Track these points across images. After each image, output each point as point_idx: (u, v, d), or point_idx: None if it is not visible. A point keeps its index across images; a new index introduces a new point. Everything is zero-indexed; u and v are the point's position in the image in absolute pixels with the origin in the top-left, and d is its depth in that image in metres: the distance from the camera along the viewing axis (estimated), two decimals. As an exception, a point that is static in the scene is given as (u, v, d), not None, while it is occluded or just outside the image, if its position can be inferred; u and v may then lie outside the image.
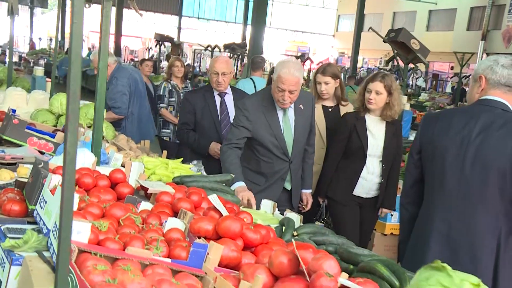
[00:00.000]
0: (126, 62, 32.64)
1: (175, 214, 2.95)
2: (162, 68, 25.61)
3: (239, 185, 4.35)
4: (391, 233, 7.04)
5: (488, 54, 39.23)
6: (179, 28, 48.47)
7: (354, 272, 2.76)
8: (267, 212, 4.06)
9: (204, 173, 4.73)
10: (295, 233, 3.28)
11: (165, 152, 5.46)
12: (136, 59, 35.18)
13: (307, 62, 29.22)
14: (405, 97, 12.11)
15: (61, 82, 25.29)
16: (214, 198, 2.84)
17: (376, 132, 5.24)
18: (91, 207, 2.75)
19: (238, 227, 2.57)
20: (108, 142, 4.92)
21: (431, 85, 40.79)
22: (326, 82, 5.58)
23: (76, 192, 2.90)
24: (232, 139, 4.70)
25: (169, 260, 2.37)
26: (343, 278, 2.36)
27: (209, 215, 2.85)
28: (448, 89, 34.75)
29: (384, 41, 11.97)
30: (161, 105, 8.60)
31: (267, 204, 4.13)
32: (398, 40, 11.26)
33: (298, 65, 4.66)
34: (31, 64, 28.12)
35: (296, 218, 3.75)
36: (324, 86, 5.58)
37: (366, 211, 5.46)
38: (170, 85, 8.72)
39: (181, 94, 8.69)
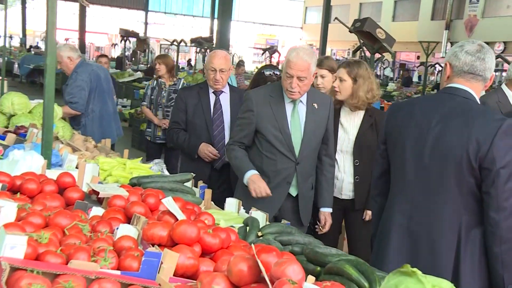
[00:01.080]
0: (92, 59, 32.21)
1: (129, 219, 2.74)
2: (128, 64, 25.32)
3: (252, 173, 4.21)
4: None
5: (452, 43, 39.92)
6: (146, 24, 48.01)
7: (321, 274, 2.61)
8: (232, 212, 3.88)
9: (166, 173, 4.52)
10: (259, 234, 3.09)
11: (126, 151, 5.25)
12: (108, 55, 34.75)
13: (275, 55, 29.14)
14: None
15: (23, 81, 24.89)
16: (168, 201, 2.61)
17: (348, 125, 4.86)
18: (32, 216, 2.47)
19: (194, 232, 2.36)
20: (63, 143, 4.66)
21: (399, 74, 40.91)
22: (322, 76, 5.27)
23: (16, 200, 2.67)
24: (235, 137, 4.45)
25: (118, 272, 2.15)
26: (309, 283, 2.19)
27: (163, 219, 2.62)
28: (415, 78, 34.91)
29: (350, 31, 11.96)
30: (142, 102, 8.80)
31: (231, 203, 3.92)
32: (364, 30, 11.28)
33: (309, 51, 4.23)
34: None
35: (261, 216, 3.56)
36: (320, 80, 5.26)
37: (349, 215, 5.04)
38: (155, 83, 8.59)
39: (169, 92, 8.54)
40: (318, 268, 2.63)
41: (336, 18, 14.16)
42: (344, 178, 4.84)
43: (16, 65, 25.88)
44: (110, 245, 2.33)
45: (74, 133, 5.69)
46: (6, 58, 28.42)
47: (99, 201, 3.15)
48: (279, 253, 2.44)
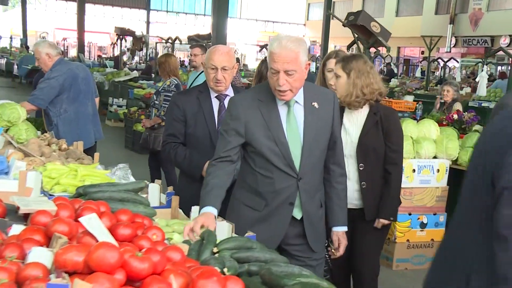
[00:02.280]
0: (93, 59, 32.06)
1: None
2: (124, 64, 25.04)
3: (205, 211, 3.31)
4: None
5: (456, 38, 39.93)
6: (148, 22, 47.95)
7: None
8: None
9: (132, 179, 4.17)
10: (215, 250, 2.75)
11: (97, 154, 4.92)
12: (104, 55, 34.58)
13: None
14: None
15: (23, 81, 24.73)
16: (89, 219, 2.23)
17: (349, 126, 4.41)
18: None
19: (115, 257, 1.98)
20: (12, 146, 4.31)
21: (403, 70, 40.69)
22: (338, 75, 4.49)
23: None
24: (219, 152, 3.60)
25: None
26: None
27: (82, 241, 2.21)
28: (418, 74, 34.55)
29: (344, 25, 11.71)
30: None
31: (197, 211, 3.59)
32: (358, 23, 11.05)
33: (295, 38, 3.41)
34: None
35: (226, 227, 3.25)
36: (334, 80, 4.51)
37: (358, 226, 4.45)
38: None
39: (162, 95, 8.63)
40: None
41: (329, 12, 13.95)
42: (349, 185, 4.20)
43: (15, 66, 25.78)
44: (12, 275, 1.96)
45: (39, 136, 5.33)
46: (6, 58, 28.62)
47: (25, 218, 2.73)
48: (221, 279, 2.12)
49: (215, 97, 4.51)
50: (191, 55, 9.13)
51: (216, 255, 2.71)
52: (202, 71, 8.77)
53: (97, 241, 2.16)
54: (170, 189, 3.96)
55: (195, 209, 3.62)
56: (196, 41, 21.90)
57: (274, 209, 3.60)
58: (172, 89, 8.53)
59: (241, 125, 3.53)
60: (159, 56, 9.54)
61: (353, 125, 4.42)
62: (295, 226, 3.66)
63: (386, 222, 4.47)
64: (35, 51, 7.23)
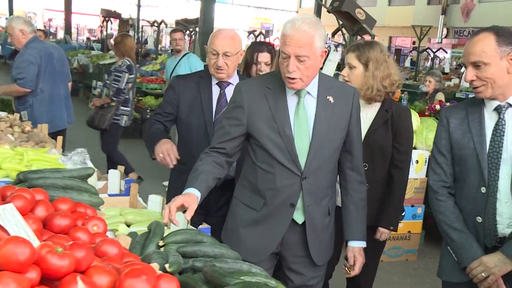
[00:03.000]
0: (81, 41, 31.79)
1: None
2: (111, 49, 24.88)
3: (188, 191, 3.03)
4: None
5: (448, 29, 40.19)
6: (139, 6, 47.36)
7: None
8: (155, 211, 3.39)
9: (90, 164, 3.98)
10: (161, 243, 2.59)
11: (60, 138, 4.74)
12: (93, 38, 34.29)
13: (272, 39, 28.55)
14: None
15: (8, 61, 24.44)
16: (3, 211, 2.02)
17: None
18: None
19: (26, 253, 1.77)
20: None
21: (394, 60, 40.81)
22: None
23: None
24: (214, 142, 3.31)
25: None
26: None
27: None
28: (407, 64, 34.53)
29: (328, 11, 11.60)
30: None
31: (155, 201, 3.45)
32: (343, 9, 10.92)
33: (311, 20, 3.02)
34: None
35: (183, 218, 3.00)
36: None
37: None
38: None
39: (112, 74, 8.58)
40: None
41: None
42: None
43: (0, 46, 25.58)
44: None
45: (1, 118, 5.15)
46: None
47: None
48: (151, 277, 1.94)
49: (216, 83, 4.12)
50: (173, 39, 9.11)
51: (162, 248, 2.57)
52: (184, 55, 8.71)
53: (8, 236, 1.97)
54: (131, 176, 3.80)
55: (153, 197, 3.48)
56: (183, 25, 21.75)
57: (273, 210, 3.23)
58: (123, 70, 8.43)
59: (243, 113, 3.20)
60: (115, 35, 9.48)
61: (362, 120, 3.74)
62: (295, 231, 3.30)
63: (386, 231, 4.13)
64: (8, 27, 7.07)
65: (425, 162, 6.88)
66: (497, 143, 3.09)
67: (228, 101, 3.76)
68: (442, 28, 40.86)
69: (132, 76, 8.74)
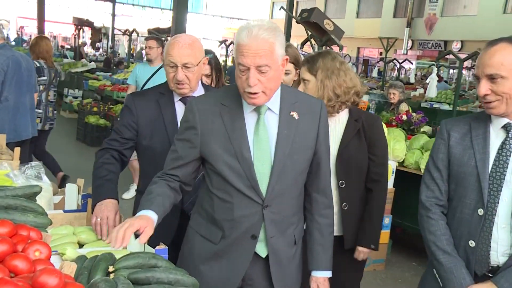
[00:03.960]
0: (57, 49, 31.49)
1: None
2: (87, 55, 24.65)
3: (143, 214, 2.64)
4: None
5: (413, 41, 41.06)
6: (113, 15, 47.25)
7: None
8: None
9: (45, 179, 3.69)
10: (111, 269, 2.34)
11: (17, 149, 4.45)
12: (67, 46, 33.96)
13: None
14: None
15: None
16: None
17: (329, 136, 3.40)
18: None
19: None
20: None
21: (361, 70, 41.16)
22: (287, 71, 3.95)
23: None
24: (166, 167, 2.92)
25: None
26: None
27: None
28: (375, 74, 34.82)
29: (297, 22, 11.58)
30: None
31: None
32: (311, 20, 10.91)
33: (269, 25, 2.61)
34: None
35: (136, 245, 2.76)
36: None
37: (335, 257, 3.39)
38: None
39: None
40: None
41: (281, 7, 13.94)
42: None
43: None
44: None
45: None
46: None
47: None
48: None
49: (179, 99, 3.53)
50: (145, 47, 8.81)
51: (112, 275, 2.32)
52: (161, 66, 8.29)
53: None
54: (89, 190, 3.53)
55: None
56: (155, 34, 21.52)
57: (233, 242, 2.84)
58: None
59: (196, 135, 2.79)
60: (33, 38, 9.33)
61: (331, 134, 3.39)
62: (259, 265, 2.91)
63: (365, 250, 3.76)
64: None
65: (392, 173, 6.79)
66: (502, 163, 2.86)
67: None
68: (408, 40, 41.62)
69: (44, 78, 8.55)
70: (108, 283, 2.14)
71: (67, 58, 23.02)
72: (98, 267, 2.33)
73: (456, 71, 24.61)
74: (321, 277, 3.02)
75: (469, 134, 2.99)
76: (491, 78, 2.76)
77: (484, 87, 2.78)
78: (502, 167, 2.85)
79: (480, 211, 2.87)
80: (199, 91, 3.55)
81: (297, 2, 36.82)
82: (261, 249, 2.86)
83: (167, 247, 2.85)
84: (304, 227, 3.12)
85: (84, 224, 3.26)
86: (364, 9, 46.66)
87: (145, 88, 8.02)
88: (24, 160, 4.57)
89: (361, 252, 3.76)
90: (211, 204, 2.86)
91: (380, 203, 3.79)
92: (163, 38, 21.38)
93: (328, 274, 3.05)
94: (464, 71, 28.06)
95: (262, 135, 2.75)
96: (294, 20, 15.25)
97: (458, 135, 3.02)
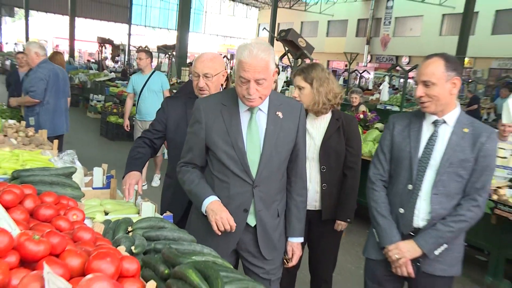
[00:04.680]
0: (82, 62, 31.28)
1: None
2: (107, 67, 24.56)
3: (211, 200, 2.81)
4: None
5: (371, 55, 41.04)
6: (129, 35, 47.22)
7: (170, 278, 2.01)
8: (130, 202, 3.26)
9: (78, 164, 3.83)
10: (129, 229, 2.48)
11: (56, 141, 4.58)
12: (93, 60, 33.82)
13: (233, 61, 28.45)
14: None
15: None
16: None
17: (313, 131, 3.77)
18: None
19: (5, 241, 1.65)
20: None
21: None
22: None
23: None
24: (185, 157, 3.01)
25: None
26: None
27: None
28: (341, 82, 34.78)
29: (277, 39, 11.67)
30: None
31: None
32: (288, 38, 10.96)
33: (264, 46, 2.71)
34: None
35: (151, 208, 2.95)
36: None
37: (314, 228, 3.84)
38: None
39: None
40: (166, 271, 2.03)
41: (264, 28, 13.95)
42: (310, 187, 3.72)
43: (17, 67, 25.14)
44: None
45: (9, 125, 4.98)
46: (10, 60, 27.68)
47: None
48: (115, 259, 1.83)
49: None
50: (136, 58, 8.50)
51: (130, 233, 2.44)
52: (153, 73, 8.21)
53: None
54: (112, 172, 3.66)
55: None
56: (163, 50, 21.49)
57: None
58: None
59: (201, 128, 2.87)
60: (52, 52, 9.21)
61: (316, 130, 3.75)
62: (249, 233, 2.96)
63: (343, 223, 3.84)
64: (26, 49, 7.02)
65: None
66: (428, 151, 3.00)
67: None
68: (367, 55, 41.58)
69: None
70: (128, 239, 2.29)
71: (92, 69, 22.84)
72: (120, 228, 2.44)
73: (404, 81, 24.72)
74: (295, 242, 3.09)
75: (408, 127, 3.09)
76: (425, 84, 2.88)
77: (420, 91, 2.92)
78: (428, 154, 2.97)
79: (410, 187, 3.00)
80: None
81: (279, 24, 36.73)
82: (251, 220, 2.91)
83: (172, 214, 2.97)
84: None
85: (108, 197, 3.37)
86: (332, 30, 46.48)
87: (141, 92, 8.07)
88: (59, 150, 4.70)
89: (340, 225, 3.83)
90: (212, 183, 2.91)
91: (354, 185, 3.84)
92: (169, 53, 21.43)
93: (301, 240, 3.11)
94: (410, 80, 28.29)
95: (254, 130, 2.83)
96: (275, 38, 15.41)
97: (400, 127, 3.12)
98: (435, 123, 3.01)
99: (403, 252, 2.99)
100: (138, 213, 3.01)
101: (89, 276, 1.55)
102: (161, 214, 3.00)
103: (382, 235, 3.10)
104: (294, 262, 3.14)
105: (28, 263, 1.77)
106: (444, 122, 2.99)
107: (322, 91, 3.67)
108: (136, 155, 3.51)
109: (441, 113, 2.98)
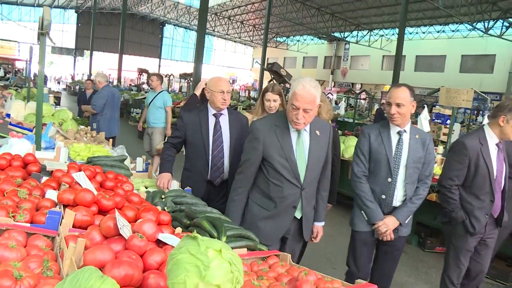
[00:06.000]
0: (127, 85, 31.28)
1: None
2: (143, 89, 24.64)
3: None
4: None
5: (334, 82, 41.10)
6: (159, 66, 47.30)
7: (191, 227, 2.22)
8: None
9: (126, 154, 4.04)
10: (163, 196, 2.66)
11: (110, 140, 4.81)
12: (132, 85, 33.82)
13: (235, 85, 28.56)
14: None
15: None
16: (78, 175, 2.22)
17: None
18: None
19: (90, 197, 1.97)
20: (58, 133, 4.20)
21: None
22: (274, 100, 3.72)
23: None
24: (246, 170, 2.83)
25: (28, 224, 1.79)
26: (164, 234, 1.87)
27: (74, 187, 2.19)
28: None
29: (265, 70, 11.83)
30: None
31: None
32: (273, 69, 11.13)
33: (315, 83, 2.64)
34: (72, 89, 27.39)
35: (176, 185, 3.14)
36: (272, 103, 3.71)
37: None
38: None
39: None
40: (188, 222, 2.26)
41: (256, 61, 14.21)
42: None
43: (84, 91, 25.20)
44: (34, 205, 1.94)
45: (80, 128, 5.21)
46: (81, 85, 27.74)
47: (51, 173, 2.61)
48: (156, 212, 2.11)
49: (212, 115, 3.45)
50: (150, 80, 7.86)
51: (163, 199, 2.65)
52: (161, 92, 7.61)
53: (81, 187, 2.15)
54: (148, 160, 3.84)
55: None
56: (183, 77, 21.62)
57: (281, 210, 2.78)
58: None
59: (259, 144, 2.74)
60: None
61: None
62: (295, 223, 2.86)
63: (329, 205, 3.87)
64: (94, 78, 7.52)
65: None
66: (399, 153, 3.03)
67: (221, 126, 3.42)
68: (331, 82, 41.66)
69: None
70: (162, 203, 2.53)
71: (133, 91, 23.00)
72: (156, 195, 2.66)
73: (357, 101, 24.94)
74: (320, 225, 3.01)
75: (380, 135, 3.08)
76: (397, 105, 2.95)
77: (394, 110, 2.97)
78: (399, 155, 3.02)
79: (389, 179, 3.04)
80: (225, 110, 3.49)
81: (268, 58, 36.86)
82: (298, 214, 2.83)
83: (190, 188, 3.06)
84: None
85: (146, 177, 3.54)
86: (306, 63, 46.20)
87: (150, 105, 7.53)
88: (113, 145, 4.95)
89: (328, 206, 3.70)
90: (267, 187, 2.78)
91: (336, 179, 3.79)
92: (187, 79, 21.53)
93: (323, 223, 3.04)
94: (361, 100, 28.66)
95: (301, 146, 2.74)
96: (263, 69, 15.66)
97: (374, 136, 3.10)
98: (399, 133, 3.05)
99: (388, 225, 3.05)
100: (167, 188, 3.16)
101: (140, 220, 1.82)
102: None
103: (372, 215, 3.09)
104: (317, 240, 3.05)
105: (103, 212, 2.08)
106: (405, 131, 3.05)
107: (325, 109, 3.66)
108: (166, 157, 3.44)
109: (402, 125, 3.03)
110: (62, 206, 1.98)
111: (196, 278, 1.15)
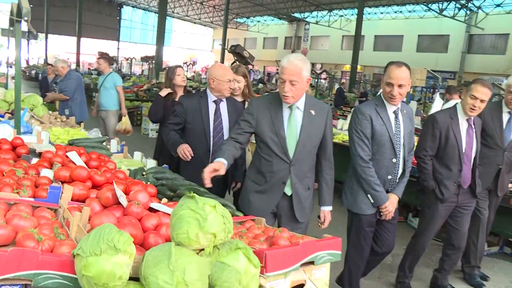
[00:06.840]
0: (85, 70, 30.46)
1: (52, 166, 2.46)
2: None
3: (217, 160, 2.54)
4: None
5: None
6: (118, 48, 46.01)
7: (174, 198, 2.45)
8: (138, 160, 3.59)
9: (99, 136, 4.13)
10: (144, 173, 2.84)
11: (82, 124, 4.90)
12: (92, 68, 32.95)
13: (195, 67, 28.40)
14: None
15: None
16: (72, 154, 2.41)
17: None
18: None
19: (85, 173, 2.17)
20: (34, 118, 4.27)
21: (266, 79, 41.39)
22: (238, 81, 3.72)
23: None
24: (231, 134, 2.85)
25: (32, 199, 1.98)
26: (155, 203, 2.09)
27: (68, 165, 2.38)
28: (273, 81, 35.13)
29: (229, 52, 11.89)
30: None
31: (138, 154, 3.60)
32: (236, 51, 11.23)
33: (301, 57, 2.64)
34: (27, 74, 26.39)
35: (153, 163, 3.28)
36: (236, 84, 3.73)
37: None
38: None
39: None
40: (172, 194, 2.49)
41: (220, 44, 14.26)
42: None
43: (40, 74, 24.39)
44: (33, 182, 2.12)
45: (49, 113, 5.23)
46: (35, 70, 26.83)
47: (40, 155, 2.78)
48: (144, 185, 2.30)
49: (212, 101, 3.43)
50: (97, 63, 7.53)
51: (145, 175, 2.83)
52: (109, 74, 7.39)
53: (75, 165, 2.33)
54: (123, 143, 3.96)
55: (136, 153, 3.57)
56: (145, 60, 21.33)
57: (271, 185, 2.80)
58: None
59: (253, 119, 2.77)
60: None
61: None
62: (286, 200, 2.84)
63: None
64: (54, 64, 7.47)
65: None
66: (398, 132, 3.05)
67: (221, 113, 3.43)
68: (292, 62, 41.89)
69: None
70: (144, 178, 2.71)
71: (93, 74, 22.51)
72: (138, 172, 2.84)
73: (317, 80, 25.39)
74: (326, 210, 2.98)
75: (379, 115, 3.03)
76: (399, 85, 2.88)
77: (396, 91, 2.92)
78: (399, 134, 3.06)
79: (394, 160, 3.08)
80: (227, 98, 3.52)
81: (228, 39, 36.62)
82: (288, 190, 2.82)
83: (167, 165, 3.22)
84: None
85: (122, 158, 3.59)
86: (267, 44, 46.00)
87: (100, 88, 7.39)
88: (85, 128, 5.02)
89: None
90: (259, 162, 2.83)
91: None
92: (149, 61, 21.23)
93: (330, 208, 3.00)
94: (322, 80, 29.20)
95: (292, 123, 2.75)
96: (226, 50, 15.67)
97: (373, 116, 3.03)
98: (395, 111, 3.06)
99: (394, 205, 3.14)
100: (144, 166, 3.26)
101: (134, 190, 2.04)
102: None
103: (380, 197, 3.11)
104: (325, 225, 3.00)
105: (96, 187, 2.27)
106: (399, 109, 3.08)
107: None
108: (174, 135, 3.43)
109: (397, 104, 3.04)
110: (60, 182, 2.16)
111: (196, 229, 1.40)
